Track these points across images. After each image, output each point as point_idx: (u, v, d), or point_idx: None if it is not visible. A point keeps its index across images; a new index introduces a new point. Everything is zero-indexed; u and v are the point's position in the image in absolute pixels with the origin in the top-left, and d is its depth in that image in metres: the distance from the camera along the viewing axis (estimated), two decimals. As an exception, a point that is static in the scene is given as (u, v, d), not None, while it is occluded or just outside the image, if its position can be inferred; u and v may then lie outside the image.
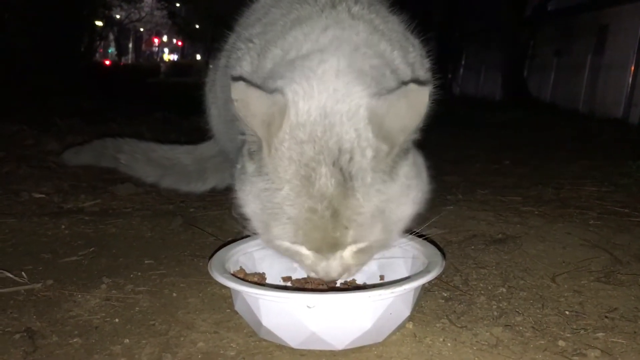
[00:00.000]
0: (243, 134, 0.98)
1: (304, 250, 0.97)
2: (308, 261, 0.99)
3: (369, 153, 0.91)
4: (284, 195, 0.92)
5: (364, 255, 0.99)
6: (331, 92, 0.95)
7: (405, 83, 0.97)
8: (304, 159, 0.91)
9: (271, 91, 0.97)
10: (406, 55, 1.21)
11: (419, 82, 0.95)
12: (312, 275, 1.02)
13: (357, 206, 0.91)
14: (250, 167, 0.98)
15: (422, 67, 1.31)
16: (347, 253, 0.97)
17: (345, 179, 0.90)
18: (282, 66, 1.07)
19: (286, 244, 0.97)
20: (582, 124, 6.17)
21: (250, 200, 0.98)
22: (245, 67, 1.23)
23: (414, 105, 0.89)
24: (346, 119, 0.92)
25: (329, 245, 0.94)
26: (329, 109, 0.93)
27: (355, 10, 1.19)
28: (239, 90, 0.91)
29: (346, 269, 0.99)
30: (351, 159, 0.91)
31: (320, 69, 0.99)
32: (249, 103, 0.91)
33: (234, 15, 1.61)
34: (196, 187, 2.04)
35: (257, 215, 0.98)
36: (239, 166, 1.06)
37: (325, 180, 0.90)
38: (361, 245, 0.96)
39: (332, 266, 0.97)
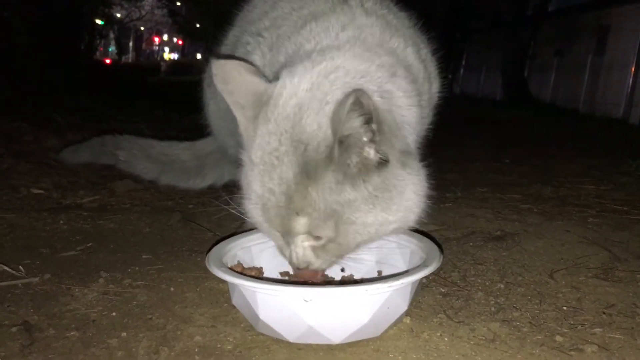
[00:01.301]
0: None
1: (274, 232, 1.01)
2: (279, 241, 1.03)
3: (323, 148, 0.93)
4: (254, 175, 0.99)
5: (325, 253, 1.00)
6: (314, 91, 0.97)
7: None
8: (269, 148, 0.96)
9: (271, 80, 1.03)
10: (419, 51, 1.22)
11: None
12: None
13: (309, 196, 0.94)
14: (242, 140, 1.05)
15: (432, 63, 1.32)
16: (306, 243, 0.99)
17: (302, 170, 0.94)
18: (294, 58, 1.11)
19: (257, 217, 1.02)
20: (582, 124, 6.17)
21: (245, 187, 1.04)
22: (256, 61, 1.25)
23: (341, 104, 0.89)
24: (313, 113, 0.95)
25: (285, 229, 0.98)
26: (305, 106, 0.96)
27: (368, 5, 1.21)
28: (220, 67, 0.99)
29: (308, 260, 1.01)
30: (305, 149, 0.94)
31: (317, 68, 1.01)
32: (228, 80, 0.99)
33: (234, 12, 1.61)
34: (195, 183, 2.04)
35: (243, 182, 1.05)
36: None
37: (286, 168, 0.94)
38: (317, 240, 0.98)
39: (293, 252, 1.00)
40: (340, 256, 1.03)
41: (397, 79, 1.07)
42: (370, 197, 0.96)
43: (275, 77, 1.05)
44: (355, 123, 0.91)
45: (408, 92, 1.08)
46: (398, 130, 1.02)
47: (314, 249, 0.99)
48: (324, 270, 1.06)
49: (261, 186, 0.97)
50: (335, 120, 0.90)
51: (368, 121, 0.91)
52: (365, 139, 0.93)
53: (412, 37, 1.24)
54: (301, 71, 1.01)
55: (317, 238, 0.98)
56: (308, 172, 0.93)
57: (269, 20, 1.31)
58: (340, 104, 0.89)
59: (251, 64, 1.09)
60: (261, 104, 0.99)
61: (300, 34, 1.16)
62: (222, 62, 1.00)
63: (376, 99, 0.98)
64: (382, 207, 0.97)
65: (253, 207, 1.01)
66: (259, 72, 1.06)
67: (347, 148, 0.93)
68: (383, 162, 0.96)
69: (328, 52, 1.05)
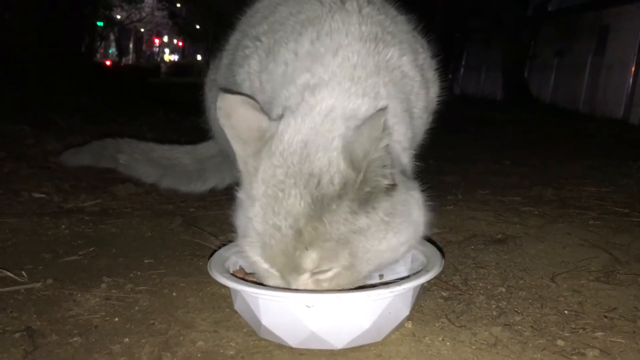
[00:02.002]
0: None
1: (274, 272, 0.98)
2: (271, 282, 0.99)
3: (338, 180, 0.92)
4: (255, 212, 0.95)
5: (330, 282, 0.97)
6: (318, 126, 0.98)
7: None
8: (274, 181, 0.94)
9: (274, 118, 1.03)
10: (416, 57, 1.22)
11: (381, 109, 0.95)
12: None
13: (321, 229, 0.91)
14: (239, 175, 1.02)
15: (430, 68, 1.32)
16: (309, 280, 0.96)
17: (314, 201, 0.91)
18: (289, 89, 1.10)
19: (259, 261, 0.99)
20: (583, 124, 6.17)
21: (236, 213, 1.03)
22: (253, 66, 1.25)
23: (371, 128, 0.89)
24: (322, 149, 0.95)
25: (290, 267, 0.94)
26: (310, 143, 0.96)
27: (365, 11, 1.20)
28: (225, 101, 0.97)
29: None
30: (319, 183, 0.92)
31: (317, 108, 1.02)
32: (231, 116, 0.97)
33: (235, 14, 1.61)
34: (196, 187, 2.04)
35: (239, 229, 1.02)
36: None
37: (294, 200, 0.92)
38: (325, 274, 0.95)
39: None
40: (351, 285, 0.99)
41: (394, 89, 1.09)
42: (382, 222, 0.95)
43: (272, 97, 1.09)
44: (381, 147, 0.90)
45: (396, 111, 1.09)
46: (394, 150, 1.02)
47: (316, 284, 0.97)
48: None
49: (263, 223, 0.94)
50: (361, 146, 0.89)
51: (387, 146, 0.91)
52: (385, 164, 0.93)
53: (409, 42, 1.23)
54: (302, 113, 1.01)
55: (325, 271, 0.95)
56: (321, 204, 0.91)
57: (268, 25, 1.31)
58: (370, 127, 0.89)
59: (253, 98, 1.07)
60: (264, 139, 0.98)
61: (297, 42, 1.16)
62: (228, 96, 0.98)
63: None
64: (393, 232, 0.96)
65: (251, 247, 0.98)
66: (262, 109, 1.04)
67: (368, 175, 0.91)
68: (392, 187, 0.96)
69: (318, 92, 1.05)
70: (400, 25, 1.27)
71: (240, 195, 1.01)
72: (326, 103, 1.02)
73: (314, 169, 0.93)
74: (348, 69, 1.08)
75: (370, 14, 1.20)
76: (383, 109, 0.92)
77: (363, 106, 1.03)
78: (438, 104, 1.38)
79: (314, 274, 0.95)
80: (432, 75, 1.31)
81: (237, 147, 0.98)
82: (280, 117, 1.03)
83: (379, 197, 0.94)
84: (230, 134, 0.98)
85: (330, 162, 0.93)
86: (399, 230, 0.97)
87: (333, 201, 0.91)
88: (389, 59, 1.14)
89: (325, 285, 0.96)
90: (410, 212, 1.00)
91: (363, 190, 0.92)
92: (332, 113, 1.00)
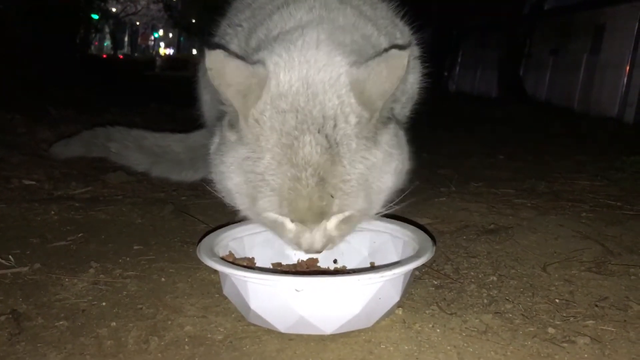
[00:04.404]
0: (222, 104, 0.97)
1: (288, 223, 0.97)
2: (291, 234, 0.98)
3: (353, 119, 0.92)
4: (265, 165, 0.92)
5: (347, 225, 0.98)
6: (312, 62, 0.96)
7: (386, 50, 0.96)
8: (286, 128, 0.91)
9: (253, 62, 0.97)
10: (393, 41, 1.21)
11: (399, 47, 0.95)
12: (295, 248, 1.02)
13: (344, 173, 0.91)
14: (232, 136, 0.97)
15: (411, 54, 1.31)
16: (331, 223, 0.96)
17: (331, 146, 0.90)
18: (265, 41, 1.09)
19: (272, 215, 0.96)
20: (578, 122, 6.17)
21: (233, 172, 0.97)
22: (233, 49, 1.23)
23: (393, 69, 0.90)
24: (328, 87, 0.93)
25: (314, 215, 0.93)
26: (310, 79, 0.94)
27: None
28: (214, 59, 0.90)
29: (329, 241, 0.99)
30: (335, 125, 0.91)
31: (299, 41, 1.00)
32: (224, 73, 0.90)
33: (226, 3, 1.60)
34: (187, 175, 2.02)
35: (240, 188, 0.97)
36: (217, 140, 1.06)
37: (310, 148, 0.89)
38: (346, 214, 0.95)
39: (315, 238, 0.97)
40: (359, 222, 1.01)
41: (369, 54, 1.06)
42: (387, 154, 0.96)
43: (247, 58, 1.03)
44: (393, 86, 0.90)
45: None
46: None
47: (337, 227, 0.97)
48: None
49: (280, 174, 0.91)
50: (379, 86, 0.90)
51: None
52: (394, 99, 0.96)
53: (386, 27, 1.24)
54: (286, 48, 0.98)
55: (345, 214, 0.95)
56: (339, 146, 0.90)
57: (250, 11, 1.31)
58: (392, 67, 0.89)
59: (226, 48, 1.04)
60: (259, 86, 0.93)
61: (271, 20, 1.15)
62: (215, 52, 0.91)
63: None
64: (395, 163, 0.98)
65: (267, 201, 0.93)
66: (237, 55, 1.03)
67: (383, 110, 0.92)
68: (389, 119, 0.98)
69: (301, 29, 1.03)
70: (379, 12, 1.28)
71: (240, 152, 0.95)
72: (310, 36, 1.01)
73: (326, 111, 0.91)
74: (329, 26, 1.08)
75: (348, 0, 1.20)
76: (405, 48, 0.92)
77: (355, 44, 1.03)
78: (421, 93, 1.39)
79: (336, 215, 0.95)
80: (411, 61, 1.31)
81: (238, 103, 0.92)
82: (255, 62, 0.98)
83: (381, 129, 0.96)
84: (229, 93, 0.91)
85: (342, 101, 0.92)
86: (398, 160, 0.99)
87: (351, 140, 0.91)
88: (369, 35, 1.14)
89: (344, 227, 0.98)
90: (401, 143, 1.03)
91: (376, 124, 0.93)
92: (322, 45, 0.99)
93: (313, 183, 0.90)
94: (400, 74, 0.89)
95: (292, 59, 0.96)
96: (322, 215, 0.94)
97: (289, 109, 0.92)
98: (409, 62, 0.90)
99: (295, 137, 0.90)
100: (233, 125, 0.97)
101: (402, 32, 1.32)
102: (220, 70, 0.90)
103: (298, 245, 1.00)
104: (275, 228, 1.00)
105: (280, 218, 0.96)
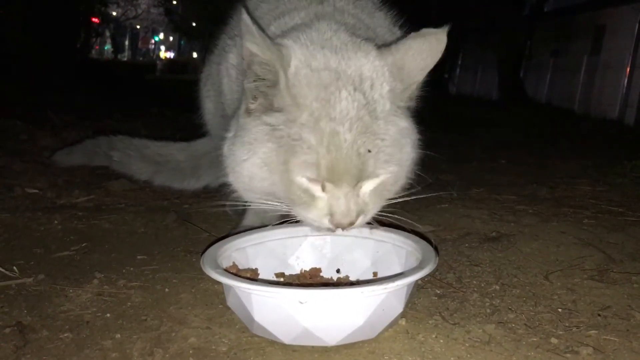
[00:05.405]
0: (250, 80, 0.98)
1: (319, 192, 0.96)
2: (322, 204, 0.97)
3: (386, 86, 0.96)
4: (302, 122, 0.92)
5: (379, 198, 1.00)
6: (334, 40, 1.01)
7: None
8: (324, 82, 0.93)
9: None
10: None
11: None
12: (324, 225, 1.01)
13: (379, 130, 0.93)
14: (258, 109, 0.98)
15: None
16: (366, 188, 0.97)
17: (368, 102, 0.93)
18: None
19: (304, 183, 0.95)
20: (578, 124, 6.18)
21: (258, 145, 0.97)
22: (231, 60, 1.26)
23: (434, 45, 0.96)
24: (360, 51, 0.98)
25: (351, 176, 0.93)
26: (340, 45, 0.98)
27: (340, 5, 1.23)
28: (254, 41, 0.91)
29: (362, 211, 0.98)
30: (372, 85, 0.95)
31: (313, 28, 1.04)
32: (259, 35, 0.92)
33: (230, 11, 1.61)
34: (190, 184, 2.03)
35: (269, 157, 0.96)
36: (231, 134, 1.07)
37: (347, 103, 0.91)
38: (381, 178, 0.97)
39: (350, 205, 0.95)
40: (389, 195, 1.04)
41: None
42: (409, 127, 1.03)
43: None
44: (433, 62, 0.98)
45: None
46: None
47: (370, 194, 0.99)
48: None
49: (318, 130, 0.91)
50: (417, 64, 0.96)
51: None
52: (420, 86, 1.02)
53: (384, 35, 1.27)
54: (301, 31, 1.04)
55: (380, 177, 0.98)
56: (375, 105, 0.94)
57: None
58: (436, 35, 0.95)
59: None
60: (288, 54, 0.96)
61: (268, 30, 1.17)
62: (252, 26, 0.91)
63: None
64: (413, 138, 1.04)
65: (302, 161, 0.93)
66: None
67: (412, 90, 1.00)
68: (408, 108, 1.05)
69: (308, 24, 1.08)
70: (377, 20, 1.31)
71: (270, 121, 0.96)
72: (321, 26, 1.06)
73: (363, 72, 0.95)
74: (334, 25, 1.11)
75: (345, 8, 1.24)
76: (443, 31, 0.96)
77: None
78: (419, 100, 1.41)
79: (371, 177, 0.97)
80: None
81: (277, 60, 0.92)
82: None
83: (404, 112, 1.02)
84: (267, 54, 0.92)
85: (376, 69, 0.96)
86: (415, 135, 1.05)
87: (386, 102, 0.95)
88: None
89: (375, 198, 1.00)
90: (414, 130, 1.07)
91: (406, 96, 1.00)
92: (339, 31, 1.05)
93: (350, 138, 0.91)
94: (441, 48, 0.95)
95: (310, 38, 1.00)
96: (358, 175, 0.93)
97: (322, 67, 0.95)
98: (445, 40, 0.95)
99: (332, 92, 0.92)
100: (259, 98, 0.98)
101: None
102: (255, 33, 0.92)
103: (331, 215, 0.97)
104: (304, 202, 0.98)
105: (312, 187, 0.96)
